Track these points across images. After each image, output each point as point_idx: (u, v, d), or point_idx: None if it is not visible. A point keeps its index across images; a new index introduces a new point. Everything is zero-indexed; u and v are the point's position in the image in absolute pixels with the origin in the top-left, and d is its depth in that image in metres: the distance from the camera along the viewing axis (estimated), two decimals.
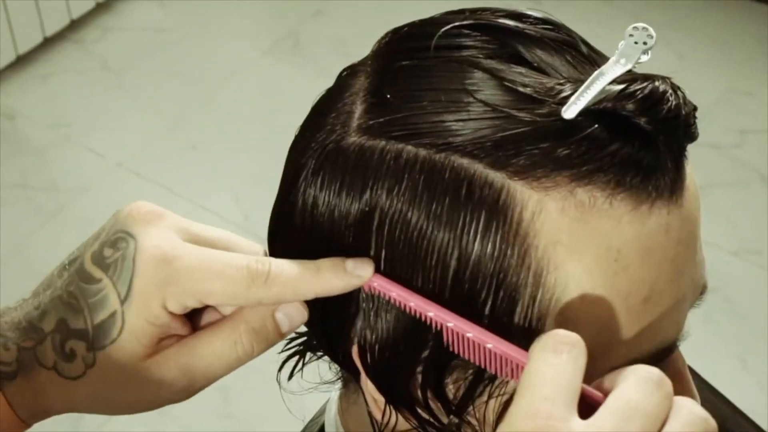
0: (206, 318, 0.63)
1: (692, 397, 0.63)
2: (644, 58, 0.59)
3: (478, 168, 0.56)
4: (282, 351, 0.68)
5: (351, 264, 0.58)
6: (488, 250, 0.56)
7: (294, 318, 0.61)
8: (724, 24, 2.67)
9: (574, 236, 0.55)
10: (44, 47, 2.69)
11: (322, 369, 0.70)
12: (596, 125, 0.55)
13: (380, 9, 2.75)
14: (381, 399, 0.62)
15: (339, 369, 0.68)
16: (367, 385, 0.62)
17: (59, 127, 2.56)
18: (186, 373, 0.60)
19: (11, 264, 2.22)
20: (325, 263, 0.59)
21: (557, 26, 0.60)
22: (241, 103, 2.55)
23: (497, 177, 0.56)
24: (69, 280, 0.62)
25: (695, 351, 0.80)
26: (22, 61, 2.67)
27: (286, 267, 0.59)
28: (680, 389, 0.62)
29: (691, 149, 0.60)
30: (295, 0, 2.82)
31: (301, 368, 0.68)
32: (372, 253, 0.59)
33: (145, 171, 2.46)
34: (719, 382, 0.93)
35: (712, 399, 0.88)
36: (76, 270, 0.62)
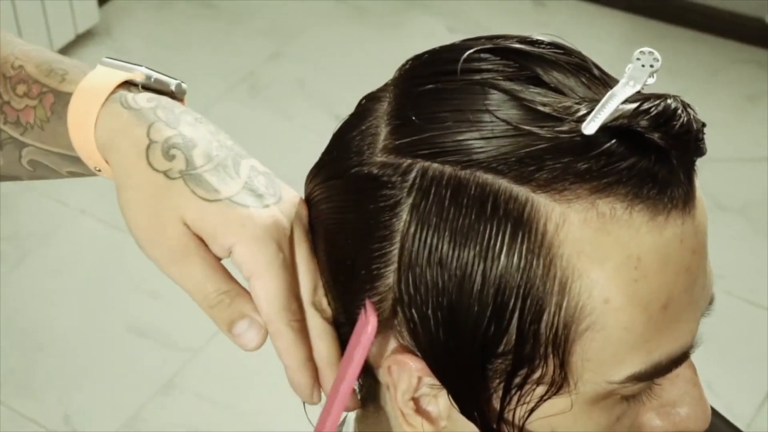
0: None
1: (703, 400, 0.66)
2: (650, 81, 0.62)
3: (503, 183, 0.59)
4: None
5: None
6: (515, 261, 0.58)
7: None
8: (674, 56, 2.73)
9: (596, 245, 0.58)
10: None
11: None
12: (614, 141, 0.58)
13: (336, 49, 2.79)
14: (410, 412, 0.64)
15: (359, 388, 0.70)
16: (397, 398, 0.64)
17: None
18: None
19: None
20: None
21: (569, 51, 0.64)
22: None
23: (521, 191, 0.59)
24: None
25: None
26: None
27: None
28: (694, 394, 0.65)
29: None
30: (251, 42, 2.85)
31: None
32: (394, 269, 0.61)
33: (108, 217, 2.46)
34: None
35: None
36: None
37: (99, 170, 0.70)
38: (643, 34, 2.77)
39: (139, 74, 0.69)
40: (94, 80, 0.69)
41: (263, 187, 0.66)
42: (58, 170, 0.73)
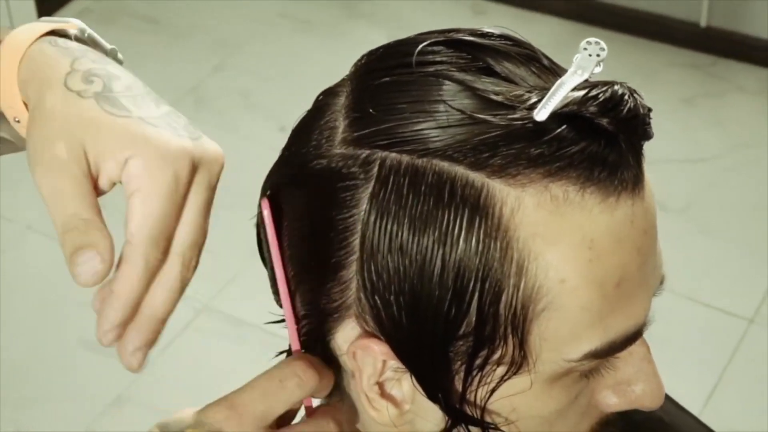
0: None
1: (657, 377, 0.68)
2: (597, 69, 0.65)
3: (459, 170, 0.61)
4: (277, 355, 0.71)
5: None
6: (473, 245, 0.60)
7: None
8: (611, 60, 2.77)
9: (551, 228, 0.60)
10: None
11: None
12: (564, 126, 0.61)
13: (280, 59, 2.80)
14: (376, 397, 0.66)
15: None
16: (362, 382, 0.66)
17: None
18: None
19: None
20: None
21: (519, 42, 0.66)
22: None
23: (477, 177, 0.60)
24: None
25: None
26: None
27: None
28: (648, 371, 0.67)
29: None
30: (195, 55, 2.86)
31: None
32: (356, 258, 0.63)
33: (52, 232, 2.44)
34: None
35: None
36: None
37: (18, 120, 0.65)
38: (580, 39, 2.81)
39: (72, 25, 0.67)
40: (24, 30, 0.66)
41: (182, 125, 0.63)
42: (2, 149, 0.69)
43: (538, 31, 2.79)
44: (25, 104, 0.65)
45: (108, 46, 0.68)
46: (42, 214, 2.40)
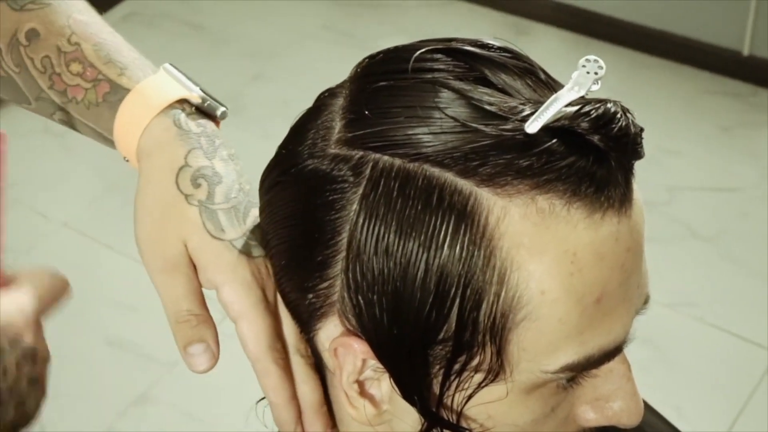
0: None
1: (637, 395, 0.68)
2: (595, 87, 0.65)
3: (449, 176, 0.61)
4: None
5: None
6: (457, 251, 0.61)
7: None
8: (651, 85, 2.77)
9: (535, 239, 0.61)
10: None
11: None
12: (555, 140, 0.61)
13: (319, 70, 2.82)
14: (355, 395, 0.67)
15: None
16: (342, 379, 0.67)
17: (6, 188, 2.57)
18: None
19: None
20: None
21: (518, 55, 0.66)
22: None
23: (466, 185, 0.61)
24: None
25: None
26: None
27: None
28: (628, 389, 0.68)
29: None
30: (236, 62, 2.88)
31: None
32: (342, 257, 0.64)
33: (89, 230, 2.48)
34: None
35: (653, 419, 0.94)
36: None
37: (127, 160, 0.76)
38: (627, 63, 2.81)
39: (195, 96, 0.76)
40: (154, 87, 0.75)
41: (257, 240, 0.71)
42: (85, 134, 0.80)
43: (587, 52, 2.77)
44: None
45: (221, 108, 0.76)
46: (79, 213, 2.43)
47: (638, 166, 0.65)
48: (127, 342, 2.24)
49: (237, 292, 0.69)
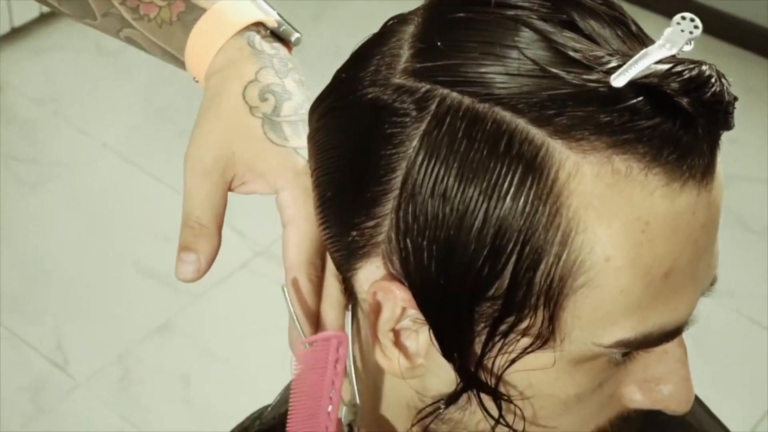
0: None
1: (689, 381, 0.64)
2: (687, 47, 0.60)
3: (520, 123, 0.57)
4: None
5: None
6: (520, 204, 0.57)
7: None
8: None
9: (606, 201, 0.56)
10: (40, 22, 2.70)
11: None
12: (640, 98, 0.56)
13: (374, 18, 2.77)
14: (388, 344, 0.63)
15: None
16: (378, 325, 0.63)
17: (47, 102, 2.56)
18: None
19: None
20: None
21: (610, 2, 0.62)
22: None
23: (538, 134, 0.57)
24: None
25: None
26: (16, 33, 2.67)
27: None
28: (682, 373, 0.63)
29: None
30: (294, 3, 2.84)
31: None
32: (395, 196, 0.60)
33: (128, 154, 2.46)
34: None
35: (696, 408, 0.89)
36: None
37: (197, 80, 0.75)
38: (725, 59, 2.76)
39: (271, 20, 0.74)
40: (231, 9, 0.73)
41: None
42: (150, 53, 0.78)
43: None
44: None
45: (296, 34, 0.75)
46: (119, 135, 2.42)
47: None
48: (156, 270, 2.22)
49: (295, 198, 0.67)
